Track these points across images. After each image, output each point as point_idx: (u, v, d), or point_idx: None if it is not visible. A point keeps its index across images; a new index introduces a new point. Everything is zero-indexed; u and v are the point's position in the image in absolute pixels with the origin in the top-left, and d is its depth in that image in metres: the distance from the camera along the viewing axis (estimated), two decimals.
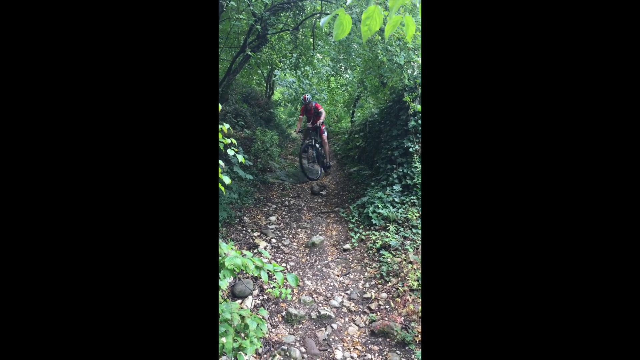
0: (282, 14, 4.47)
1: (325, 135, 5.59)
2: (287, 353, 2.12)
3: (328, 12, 4.44)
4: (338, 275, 3.01)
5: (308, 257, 3.26)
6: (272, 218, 3.90)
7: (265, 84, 8.32)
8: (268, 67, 7.24)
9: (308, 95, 5.49)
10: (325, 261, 3.20)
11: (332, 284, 2.89)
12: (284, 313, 2.48)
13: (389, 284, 2.77)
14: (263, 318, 1.49)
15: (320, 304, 2.63)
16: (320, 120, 5.43)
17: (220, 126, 1.51)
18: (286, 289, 2.28)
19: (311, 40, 5.22)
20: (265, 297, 2.63)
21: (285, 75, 6.89)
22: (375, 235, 3.32)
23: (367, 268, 3.04)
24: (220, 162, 1.33)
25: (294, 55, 5.38)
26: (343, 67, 6.03)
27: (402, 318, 2.39)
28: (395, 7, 0.88)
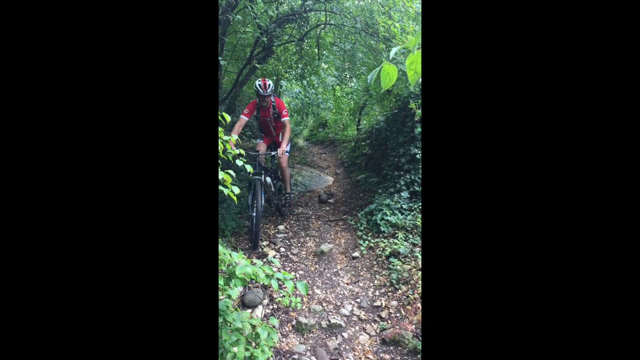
0: (287, 26, 4.55)
1: (285, 157, 3.66)
2: None
3: (332, 22, 4.51)
4: (347, 284, 2.99)
5: (317, 266, 3.25)
6: (281, 227, 3.91)
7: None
8: (274, 77, 7.34)
9: (270, 82, 3.47)
10: (335, 269, 3.19)
11: (341, 292, 2.88)
12: (294, 322, 2.47)
13: (399, 291, 2.75)
14: (274, 327, 1.50)
15: (330, 313, 2.62)
16: (286, 138, 3.45)
17: (228, 137, 1.54)
18: (296, 297, 2.28)
19: (316, 50, 5.28)
20: (275, 306, 2.63)
21: (291, 85, 6.96)
22: (384, 242, 3.31)
23: (377, 276, 3.03)
24: (230, 172, 1.36)
25: (300, 65, 5.45)
26: (348, 76, 6.05)
27: (414, 326, 2.37)
28: (415, 45, 0.90)
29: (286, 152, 3.45)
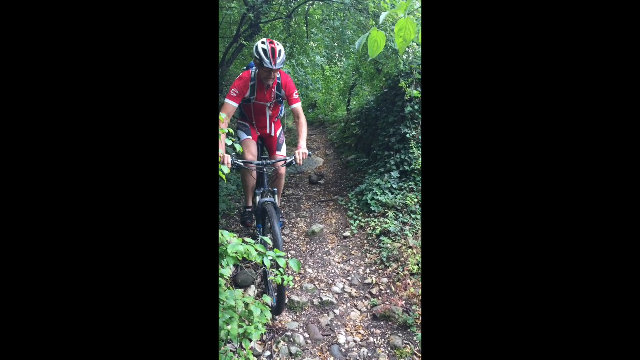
0: (274, 2, 4.41)
1: (283, 170, 2.61)
2: (291, 339, 2.16)
3: None
4: (339, 262, 3.03)
5: (308, 246, 3.28)
6: None
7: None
8: None
9: (280, 47, 2.22)
10: (326, 249, 3.23)
11: (333, 270, 2.92)
12: (286, 300, 2.51)
13: (389, 268, 2.80)
14: (266, 304, 1.52)
15: (322, 291, 2.66)
16: (304, 133, 2.38)
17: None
18: (288, 275, 2.31)
19: (304, 27, 5.16)
20: (265, 284, 2.66)
21: None
22: (375, 221, 3.34)
23: (367, 254, 3.07)
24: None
25: (288, 44, 5.32)
26: (337, 55, 5.94)
27: (403, 301, 2.43)
28: (405, 10, 0.88)
29: (309, 153, 2.30)
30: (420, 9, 0.88)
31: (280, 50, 2.21)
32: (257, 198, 2.47)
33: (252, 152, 2.58)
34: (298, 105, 2.46)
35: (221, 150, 2.01)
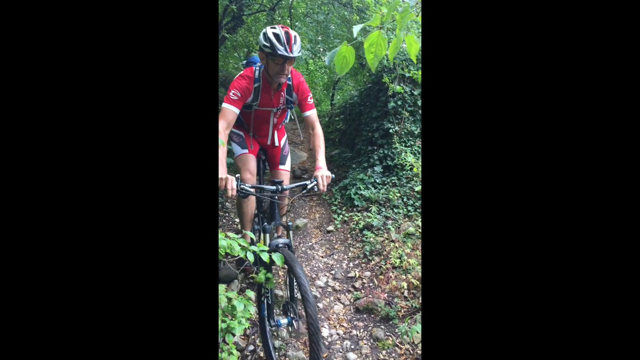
0: None
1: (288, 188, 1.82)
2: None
3: None
4: (322, 257, 3.05)
5: (292, 240, 3.29)
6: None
7: (242, 68, 8.12)
8: (245, 49, 7.07)
9: (295, 33, 1.78)
10: (310, 243, 3.24)
11: (316, 265, 2.93)
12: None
13: (372, 262, 2.83)
14: (250, 299, 1.51)
15: None
16: (322, 147, 1.88)
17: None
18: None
19: (288, 21, 5.11)
20: (251, 280, 2.65)
21: None
22: (358, 216, 3.37)
23: (351, 248, 3.10)
24: None
25: None
26: (322, 49, 5.91)
27: (386, 294, 2.47)
28: (403, 24, 0.83)
29: (332, 176, 1.79)
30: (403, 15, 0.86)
31: (295, 37, 1.76)
32: (267, 237, 1.81)
33: (251, 170, 2.07)
34: (313, 113, 1.96)
35: (222, 172, 1.59)
